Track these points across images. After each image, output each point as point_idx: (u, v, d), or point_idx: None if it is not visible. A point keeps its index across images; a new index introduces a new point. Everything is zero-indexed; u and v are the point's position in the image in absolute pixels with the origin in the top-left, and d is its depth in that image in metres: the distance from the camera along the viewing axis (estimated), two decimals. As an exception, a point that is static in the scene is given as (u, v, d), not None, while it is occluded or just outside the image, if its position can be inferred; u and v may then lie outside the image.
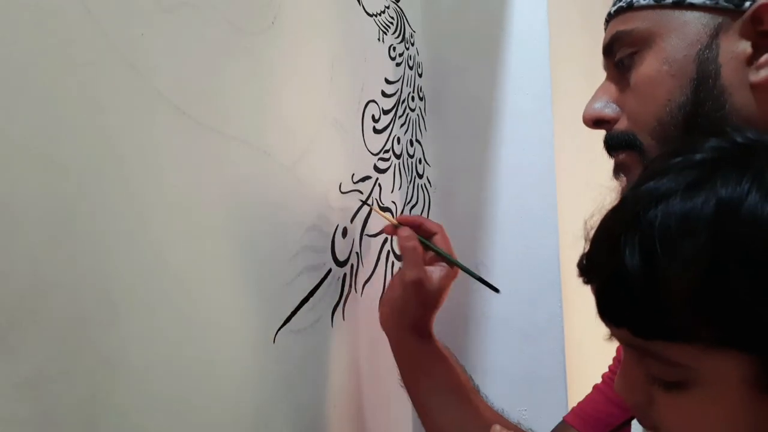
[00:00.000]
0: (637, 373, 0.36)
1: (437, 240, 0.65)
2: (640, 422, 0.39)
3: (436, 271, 0.64)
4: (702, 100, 0.45)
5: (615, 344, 0.43)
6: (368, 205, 0.66)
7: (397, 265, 0.80)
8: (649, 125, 0.48)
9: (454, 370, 0.67)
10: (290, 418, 0.55)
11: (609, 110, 0.51)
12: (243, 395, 0.49)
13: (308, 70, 0.60)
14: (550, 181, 0.89)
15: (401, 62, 0.83)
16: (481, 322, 0.93)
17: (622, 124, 0.50)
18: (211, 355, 0.45)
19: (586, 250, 0.38)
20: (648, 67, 0.48)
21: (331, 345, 0.63)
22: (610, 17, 0.52)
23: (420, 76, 0.90)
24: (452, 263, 0.64)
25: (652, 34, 0.47)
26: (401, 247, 0.62)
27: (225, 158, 0.48)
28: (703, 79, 0.45)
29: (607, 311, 0.35)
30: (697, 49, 0.45)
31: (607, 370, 0.70)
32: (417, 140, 0.88)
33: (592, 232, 0.38)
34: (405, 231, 0.62)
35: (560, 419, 0.86)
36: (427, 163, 0.92)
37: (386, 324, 0.65)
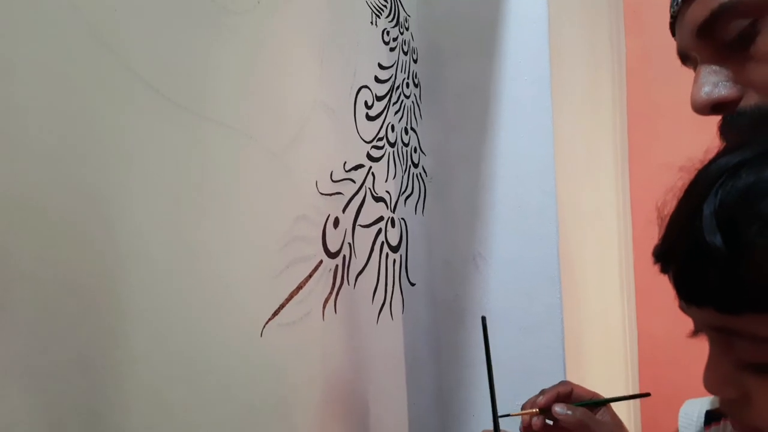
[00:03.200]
0: (726, 364, 0.34)
1: (576, 392, 0.64)
2: (735, 426, 0.36)
3: (602, 415, 0.63)
4: None
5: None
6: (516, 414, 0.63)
7: (392, 256, 0.78)
8: None
9: None
10: (279, 415, 0.53)
11: (726, 90, 0.46)
12: (229, 390, 0.47)
13: (297, 51, 0.58)
14: (549, 171, 0.87)
15: (395, 47, 0.80)
16: (478, 314, 0.91)
17: (750, 100, 0.45)
18: (195, 350, 0.43)
19: (661, 235, 0.36)
20: None
21: (322, 339, 0.61)
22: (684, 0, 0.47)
23: (415, 61, 0.88)
24: (604, 402, 0.63)
25: None
26: (573, 422, 0.60)
27: (207, 143, 0.45)
28: None
29: (689, 292, 0.33)
30: None
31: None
32: (412, 128, 0.86)
33: (665, 219, 0.36)
34: (562, 408, 0.61)
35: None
36: (423, 152, 0.90)
37: None
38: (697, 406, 0.45)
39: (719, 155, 0.33)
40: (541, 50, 0.87)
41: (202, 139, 0.45)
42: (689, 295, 0.33)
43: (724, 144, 0.37)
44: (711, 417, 0.44)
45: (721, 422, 0.43)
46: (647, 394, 0.63)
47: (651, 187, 1.45)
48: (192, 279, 0.43)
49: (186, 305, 0.43)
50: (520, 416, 0.63)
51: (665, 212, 0.37)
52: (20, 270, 0.32)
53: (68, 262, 0.34)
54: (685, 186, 0.35)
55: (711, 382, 0.35)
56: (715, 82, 0.46)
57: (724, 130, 0.47)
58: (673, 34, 0.50)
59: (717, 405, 0.43)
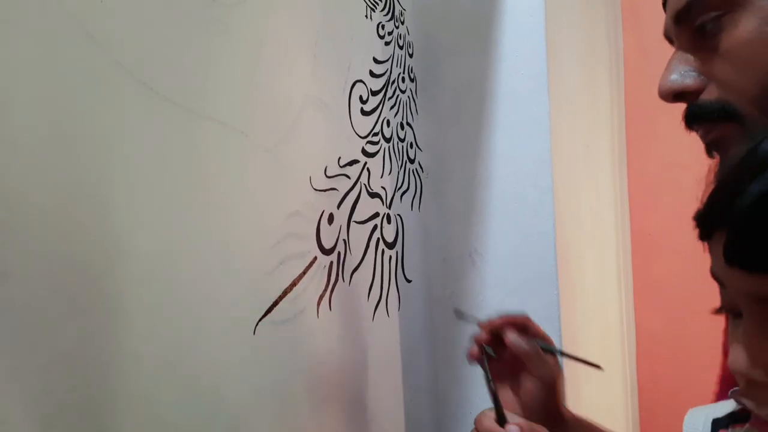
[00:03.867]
0: (760, 342, 0.32)
1: (532, 328, 0.63)
2: (757, 410, 0.34)
3: (550, 358, 0.62)
4: None
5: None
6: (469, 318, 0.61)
7: (388, 253, 0.78)
8: (750, 93, 0.43)
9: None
10: (273, 413, 0.53)
11: (690, 80, 0.47)
12: (222, 389, 0.46)
13: (289, 45, 0.57)
14: (546, 166, 0.86)
15: (390, 41, 0.79)
16: (475, 311, 0.91)
17: (711, 94, 0.46)
18: (186, 347, 0.43)
19: (706, 201, 0.35)
20: (744, 28, 0.43)
21: (316, 336, 0.60)
22: None
23: (411, 56, 0.87)
24: (556, 353, 0.62)
25: None
26: (522, 352, 0.59)
27: (198, 139, 0.45)
28: None
29: (742, 253, 0.32)
30: None
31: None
32: (408, 123, 0.85)
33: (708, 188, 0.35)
34: (514, 335, 0.60)
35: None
36: (419, 148, 0.89)
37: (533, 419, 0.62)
38: (702, 414, 0.44)
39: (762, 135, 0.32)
40: (538, 45, 0.86)
41: (194, 135, 0.44)
42: (742, 258, 0.31)
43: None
44: (718, 425, 0.43)
45: (729, 429, 0.42)
46: (598, 367, 0.62)
47: (649, 183, 1.45)
48: (183, 276, 0.43)
49: (177, 302, 0.42)
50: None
51: (709, 179, 0.35)
52: (8, 267, 0.31)
53: (57, 259, 0.34)
54: (738, 159, 0.34)
55: (741, 361, 0.33)
56: (683, 71, 0.47)
57: (687, 119, 0.48)
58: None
59: (724, 413, 0.42)
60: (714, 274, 0.34)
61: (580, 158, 1.09)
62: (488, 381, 0.54)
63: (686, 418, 0.44)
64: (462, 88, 0.90)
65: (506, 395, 0.62)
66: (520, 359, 0.59)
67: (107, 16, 0.38)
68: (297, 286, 0.56)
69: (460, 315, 0.64)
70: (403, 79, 0.84)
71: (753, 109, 0.44)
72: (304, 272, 0.58)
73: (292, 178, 0.57)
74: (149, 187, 0.40)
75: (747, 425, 0.39)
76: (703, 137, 0.48)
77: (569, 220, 0.96)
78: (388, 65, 0.78)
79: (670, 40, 0.50)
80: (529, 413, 0.60)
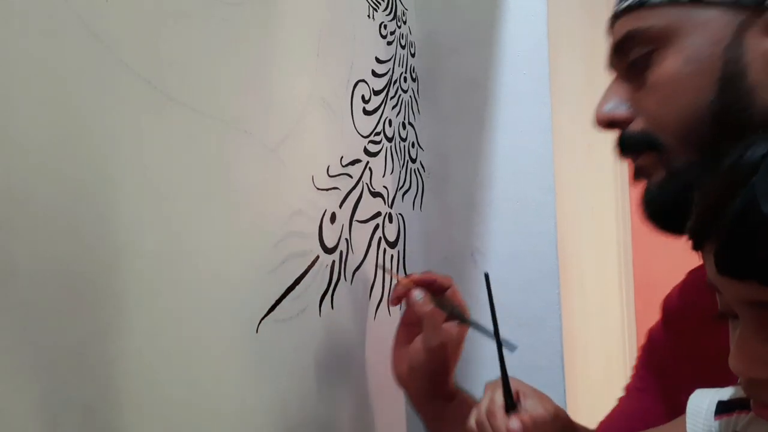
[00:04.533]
0: (757, 343, 0.33)
1: (450, 294, 0.64)
2: (758, 410, 0.35)
3: (453, 328, 0.63)
4: (730, 100, 0.44)
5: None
6: (385, 270, 0.62)
7: (389, 252, 0.78)
8: (672, 126, 0.46)
9: None
10: (275, 412, 0.53)
11: (622, 110, 0.49)
12: (225, 387, 0.47)
13: (292, 44, 0.57)
14: (548, 165, 0.86)
15: (393, 41, 0.80)
16: (477, 311, 0.91)
17: (638, 125, 0.48)
18: (189, 345, 0.43)
19: (695, 212, 0.35)
20: (669, 66, 0.46)
21: (318, 335, 0.61)
22: (617, 15, 0.50)
23: (413, 56, 0.87)
24: (468, 323, 0.63)
25: (671, 32, 0.45)
26: (419, 313, 0.60)
27: (201, 137, 0.45)
28: (731, 78, 0.44)
29: (733, 262, 0.32)
30: (723, 48, 0.44)
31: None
32: (410, 123, 0.85)
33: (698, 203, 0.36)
34: (419, 294, 0.61)
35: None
36: (421, 147, 0.89)
37: (406, 383, 0.64)
38: (708, 396, 0.44)
39: (757, 138, 0.33)
40: (540, 45, 0.86)
41: (196, 133, 0.44)
42: (733, 267, 0.32)
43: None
44: (723, 408, 0.43)
45: (734, 414, 0.42)
46: (514, 347, 0.63)
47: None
48: (186, 274, 0.43)
49: (180, 301, 0.42)
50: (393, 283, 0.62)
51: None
52: (11, 265, 0.31)
53: (61, 256, 0.34)
54: (721, 174, 0.35)
55: (740, 361, 0.34)
56: (617, 101, 0.50)
57: (618, 147, 0.51)
58: None
59: (731, 396, 0.43)
60: (710, 282, 0.35)
61: (582, 158, 1.09)
62: (502, 372, 0.55)
63: (691, 397, 0.45)
64: (464, 88, 0.90)
65: (399, 354, 0.64)
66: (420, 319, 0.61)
67: (112, 15, 0.38)
68: (299, 285, 0.57)
69: (382, 268, 0.66)
70: (405, 79, 0.84)
71: (674, 141, 0.47)
72: (307, 271, 0.58)
73: (294, 176, 0.57)
74: (153, 185, 0.40)
75: (752, 413, 0.39)
76: (630, 164, 0.51)
77: (571, 220, 0.96)
78: (390, 65, 0.78)
79: (612, 69, 0.53)
80: (412, 377, 0.62)
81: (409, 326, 0.65)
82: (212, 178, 0.46)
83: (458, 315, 0.62)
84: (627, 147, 0.50)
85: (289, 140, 0.55)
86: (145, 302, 0.39)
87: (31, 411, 0.32)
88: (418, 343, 0.62)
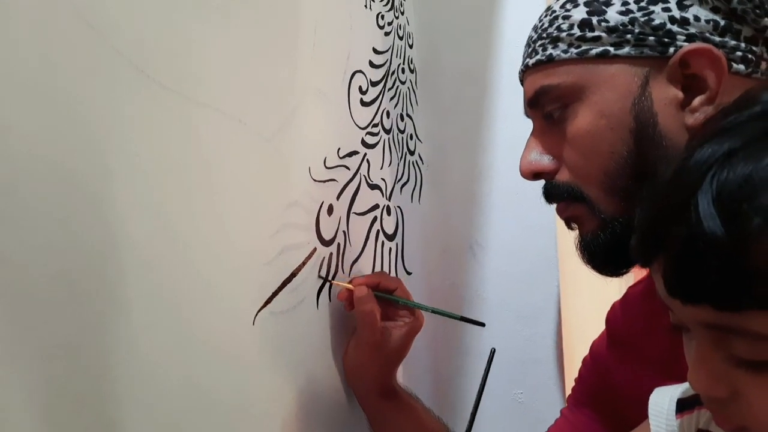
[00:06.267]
0: (716, 361, 0.31)
1: (398, 294, 0.64)
2: (720, 423, 0.34)
3: (395, 328, 0.63)
4: (645, 149, 0.46)
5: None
6: (326, 280, 0.61)
7: (388, 244, 0.77)
8: (596, 177, 0.48)
9: (423, 422, 0.66)
10: (272, 404, 0.53)
11: (546, 161, 0.51)
12: (221, 378, 0.46)
13: (288, 33, 0.56)
14: (547, 157, 0.86)
15: (390, 31, 0.79)
16: (475, 303, 0.91)
17: (563, 176, 0.50)
18: (185, 337, 0.43)
19: (636, 226, 0.34)
20: (584, 120, 0.48)
21: (316, 328, 0.60)
22: (527, 68, 0.52)
23: (411, 47, 0.86)
24: (418, 308, 0.64)
25: (581, 88, 0.48)
26: (356, 311, 0.60)
27: (195, 127, 0.44)
28: (643, 128, 0.46)
29: (682, 287, 0.31)
30: (632, 100, 0.46)
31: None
32: (408, 114, 0.85)
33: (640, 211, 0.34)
34: (361, 291, 0.60)
35: (556, 402, 0.84)
36: (419, 139, 0.89)
37: (351, 382, 0.65)
38: (667, 394, 0.44)
39: (700, 143, 0.31)
40: (539, 35, 0.85)
41: (191, 123, 0.44)
42: (683, 291, 0.31)
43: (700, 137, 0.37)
44: (683, 405, 0.43)
45: (695, 411, 0.42)
46: (482, 324, 0.64)
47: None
48: (182, 265, 0.42)
49: (176, 291, 0.42)
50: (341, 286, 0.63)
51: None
52: (6, 254, 0.31)
53: (53, 246, 0.33)
54: (664, 178, 0.33)
55: (699, 380, 0.33)
56: (539, 152, 0.52)
57: (545, 195, 0.53)
58: None
59: (689, 393, 0.42)
60: (661, 299, 0.33)
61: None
62: (479, 393, 0.55)
63: (651, 397, 0.44)
64: (462, 80, 0.89)
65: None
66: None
67: (106, 4, 0.37)
68: (296, 277, 0.56)
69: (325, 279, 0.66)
70: (403, 70, 0.83)
71: (600, 193, 0.48)
72: (304, 263, 0.58)
73: (291, 168, 0.56)
74: (147, 174, 0.40)
75: None
76: (559, 213, 0.53)
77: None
78: (387, 56, 0.78)
79: (531, 119, 0.55)
80: (354, 374, 0.63)
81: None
82: (207, 168, 0.45)
83: (409, 303, 0.63)
84: (552, 195, 0.52)
85: (285, 131, 0.55)
86: (140, 293, 0.39)
87: (24, 402, 0.31)
88: (353, 341, 0.63)
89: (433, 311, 0.64)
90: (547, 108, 0.50)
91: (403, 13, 0.84)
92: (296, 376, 0.56)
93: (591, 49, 0.47)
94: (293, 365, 0.56)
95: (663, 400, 0.43)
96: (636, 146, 0.46)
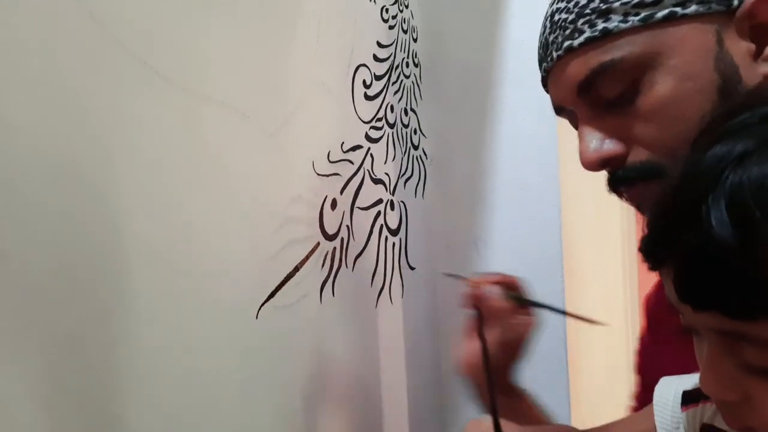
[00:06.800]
0: (727, 366, 0.31)
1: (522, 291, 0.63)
2: (729, 422, 0.34)
3: (519, 325, 0.63)
4: None
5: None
6: (457, 276, 0.63)
7: (391, 239, 0.77)
8: (681, 147, 0.42)
9: (539, 420, 0.65)
10: (275, 398, 0.53)
11: (613, 146, 0.48)
12: (224, 373, 0.46)
13: (292, 27, 0.56)
14: (552, 152, 0.85)
15: (394, 25, 0.78)
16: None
17: (638, 156, 0.47)
18: (188, 331, 0.43)
19: (647, 229, 0.33)
20: (664, 87, 0.44)
21: (319, 322, 0.60)
22: (566, 53, 0.48)
23: (415, 40, 0.86)
24: (542, 307, 0.63)
25: (653, 56, 0.44)
26: (493, 308, 0.60)
27: (199, 121, 0.44)
28: (730, 84, 0.43)
29: (692, 293, 0.30)
30: (713, 57, 0.44)
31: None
32: (412, 109, 0.84)
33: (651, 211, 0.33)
34: (494, 290, 0.60)
35: (560, 399, 0.84)
36: (423, 134, 0.88)
37: (472, 375, 0.64)
38: (673, 385, 0.43)
39: (709, 144, 0.30)
40: (545, 29, 0.85)
41: (195, 117, 0.44)
42: (693, 298, 0.30)
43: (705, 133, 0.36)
44: (689, 398, 0.43)
45: (700, 404, 0.42)
46: (599, 323, 0.63)
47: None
48: (185, 259, 0.42)
49: (179, 285, 0.42)
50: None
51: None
52: (9, 248, 0.31)
53: (56, 241, 0.33)
54: (673, 177, 0.32)
55: (711, 385, 0.32)
56: (601, 138, 0.48)
57: (614, 184, 0.49)
58: (545, 87, 0.53)
59: (695, 385, 0.42)
60: (671, 303, 0.32)
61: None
62: (490, 388, 0.54)
63: (657, 388, 0.44)
64: (467, 74, 0.89)
65: (469, 345, 0.63)
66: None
67: (107, -4, 0.37)
68: (300, 271, 0.56)
69: (450, 275, 0.66)
70: (408, 64, 0.83)
71: None
72: (307, 257, 0.57)
73: (294, 162, 0.56)
74: (151, 168, 0.40)
75: None
76: (634, 198, 0.49)
77: (575, 208, 0.95)
78: (392, 50, 0.77)
79: (560, 110, 0.51)
80: (476, 369, 0.61)
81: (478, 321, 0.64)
82: (210, 162, 0.45)
83: (534, 303, 0.62)
84: (629, 181, 0.48)
85: (289, 125, 0.55)
86: (143, 288, 0.39)
87: (27, 396, 0.31)
88: (490, 337, 0.61)
89: (558, 312, 0.63)
90: (607, 87, 0.46)
91: (407, 7, 0.83)
92: (299, 370, 0.56)
93: (655, 13, 0.44)
94: (296, 359, 0.56)
95: (668, 391, 0.43)
96: (724, 104, 0.43)
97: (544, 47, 0.50)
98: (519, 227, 0.88)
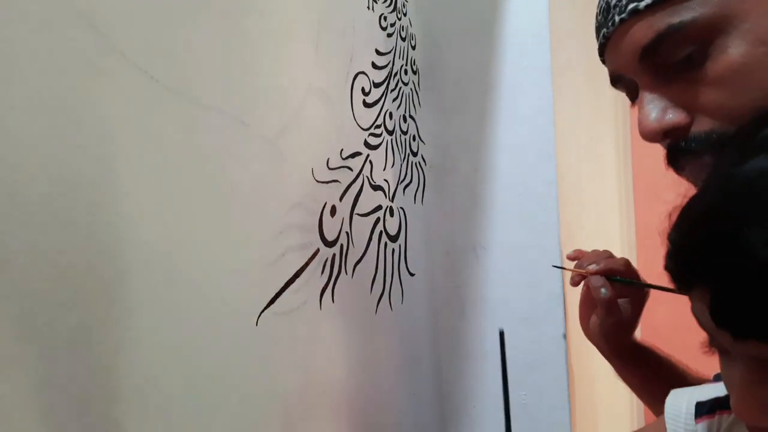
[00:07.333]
0: (764, 391, 0.30)
1: (627, 272, 0.67)
2: None
3: (625, 306, 0.68)
4: None
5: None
6: (560, 267, 0.72)
7: (390, 246, 0.77)
8: (749, 116, 0.41)
9: (663, 362, 0.70)
10: (275, 405, 0.53)
11: (675, 116, 0.44)
12: (224, 378, 0.46)
13: (291, 35, 0.56)
14: (550, 159, 0.86)
15: (393, 33, 0.79)
16: (478, 305, 0.91)
17: (702, 125, 0.43)
18: (189, 337, 0.43)
19: (677, 248, 0.31)
20: (736, 52, 0.41)
21: (319, 328, 0.60)
22: (631, 16, 0.45)
23: (413, 48, 0.86)
24: (646, 287, 0.67)
25: (725, 18, 0.41)
26: (597, 299, 0.65)
27: (198, 128, 0.44)
28: None
29: (733, 320, 0.28)
30: None
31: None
32: (410, 116, 0.85)
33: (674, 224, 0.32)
34: (598, 281, 0.65)
35: (560, 403, 0.84)
36: (422, 141, 0.89)
37: (591, 340, 0.72)
38: (685, 397, 0.43)
39: (745, 156, 0.29)
40: (542, 36, 0.85)
41: (195, 124, 0.44)
42: (734, 325, 0.28)
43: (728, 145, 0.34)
44: (702, 409, 0.42)
45: (716, 416, 0.41)
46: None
47: (654, 175, 1.44)
48: (185, 266, 0.43)
49: (179, 292, 0.42)
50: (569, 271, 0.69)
51: (673, 218, 0.32)
52: (9, 255, 0.31)
53: (57, 248, 0.33)
54: (702, 189, 0.31)
55: (746, 409, 0.31)
56: (663, 108, 0.44)
57: (675, 156, 0.45)
58: (601, 56, 0.49)
59: (708, 396, 0.41)
60: (698, 321, 0.31)
61: (584, 151, 1.08)
62: (504, 379, 0.57)
63: (668, 399, 0.43)
64: (465, 81, 0.89)
65: (585, 317, 0.71)
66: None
67: (110, 6, 0.37)
68: (300, 278, 0.56)
69: (557, 267, 0.77)
70: (406, 71, 0.83)
71: None
72: (307, 264, 0.58)
73: (294, 169, 0.56)
74: (150, 176, 0.40)
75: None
76: (692, 173, 0.46)
77: (573, 213, 0.96)
78: (390, 57, 0.78)
79: (618, 79, 0.48)
80: (594, 340, 0.69)
81: (590, 298, 0.70)
82: (210, 169, 0.45)
83: (636, 284, 0.66)
84: (692, 153, 0.44)
85: (288, 132, 0.55)
86: (143, 294, 0.39)
87: (28, 401, 0.31)
88: (594, 319, 0.69)
89: (652, 287, 0.67)
90: (673, 52, 0.43)
91: (405, 15, 0.84)
92: (299, 377, 0.56)
93: None
94: (296, 365, 0.56)
95: (680, 403, 0.42)
96: None
97: (605, 12, 0.47)
98: (518, 233, 0.88)
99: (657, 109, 0.45)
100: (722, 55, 0.42)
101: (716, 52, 0.42)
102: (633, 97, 0.48)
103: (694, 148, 0.44)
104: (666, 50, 0.43)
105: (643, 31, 0.44)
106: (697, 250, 0.30)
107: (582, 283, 0.68)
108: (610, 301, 0.64)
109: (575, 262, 0.70)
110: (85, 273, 0.35)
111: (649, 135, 0.45)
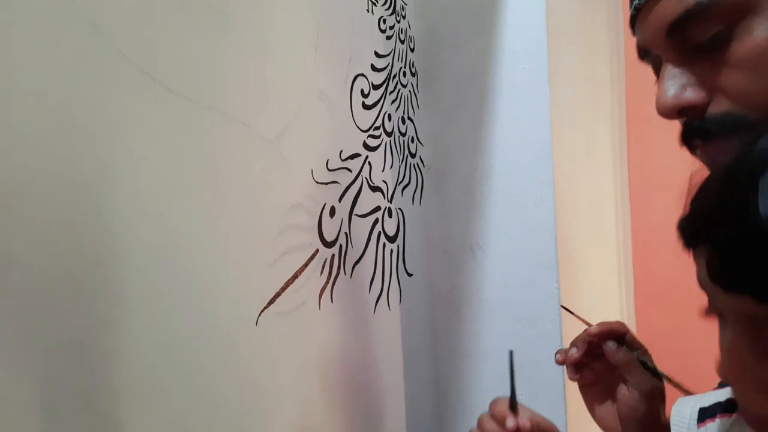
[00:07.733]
0: (750, 353, 0.31)
1: (630, 339, 0.61)
2: (746, 415, 0.34)
3: (641, 396, 0.59)
4: None
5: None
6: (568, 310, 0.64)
7: (389, 246, 0.78)
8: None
9: None
10: (274, 404, 0.53)
11: (693, 95, 0.44)
12: (224, 378, 0.47)
13: (291, 37, 0.57)
14: (547, 160, 0.86)
15: (392, 35, 0.79)
16: (475, 306, 0.91)
17: (719, 106, 0.43)
18: (189, 337, 0.43)
19: (691, 208, 0.33)
20: (762, 35, 0.40)
21: (318, 328, 0.61)
22: None
23: (412, 50, 0.87)
24: (655, 372, 0.60)
25: (752, 1, 0.40)
26: (619, 362, 0.58)
27: (199, 129, 0.45)
28: None
29: (730, 275, 0.30)
30: None
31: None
32: (409, 118, 0.85)
33: (694, 189, 0.33)
34: (612, 344, 0.59)
35: (556, 404, 0.84)
36: (420, 142, 0.89)
37: (605, 424, 0.63)
38: (689, 404, 0.44)
39: (760, 131, 0.30)
40: (539, 38, 0.86)
41: (196, 125, 0.44)
42: (728, 280, 0.30)
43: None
44: (704, 414, 0.43)
45: (717, 418, 0.42)
46: (688, 391, 0.58)
47: (650, 176, 1.44)
48: (185, 266, 0.43)
49: (179, 292, 0.42)
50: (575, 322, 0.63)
51: (695, 181, 0.33)
52: (12, 253, 0.31)
53: (58, 248, 0.34)
54: (723, 161, 0.32)
55: (729, 371, 0.32)
56: (683, 85, 0.44)
57: (689, 135, 0.45)
58: (632, 27, 0.49)
59: (711, 402, 0.42)
60: (700, 283, 0.32)
61: (581, 152, 1.09)
62: (511, 372, 0.55)
63: (674, 407, 0.45)
64: (463, 83, 0.90)
65: (605, 410, 0.61)
66: (616, 369, 0.58)
67: (110, 6, 0.38)
68: (299, 278, 0.57)
69: (568, 310, 0.68)
70: (405, 74, 0.84)
71: None
72: (306, 264, 0.58)
73: (293, 170, 0.57)
74: (152, 176, 0.40)
75: (735, 415, 0.39)
76: (705, 154, 0.45)
77: (570, 214, 0.96)
78: (389, 59, 0.78)
79: (645, 53, 0.48)
80: (625, 424, 0.59)
81: (600, 382, 0.63)
82: (210, 169, 0.46)
83: (643, 360, 0.59)
84: (708, 134, 0.43)
85: (288, 133, 0.55)
86: (144, 294, 0.39)
87: (29, 400, 0.32)
88: (625, 390, 0.59)
89: (667, 379, 0.60)
90: (700, 30, 0.42)
91: (404, 17, 0.84)
92: (299, 376, 0.57)
93: None
94: (296, 365, 0.57)
95: (685, 410, 0.44)
96: None
97: None
98: (515, 234, 0.89)
99: (676, 86, 0.44)
100: (748, 37, 0.41)
101: (742, 33, 0.41)
102: (658, 72, 0.47)
103: (708, 128, 0.43)
104: (692, 28, 0.42)
105: (672, 6, 0.43)
106: (705, 209, 0.32)
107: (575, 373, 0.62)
108: (630, 362, 0.58)
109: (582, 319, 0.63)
110: (87, 272, 0.36)
111: (665, 111, 0.45)
